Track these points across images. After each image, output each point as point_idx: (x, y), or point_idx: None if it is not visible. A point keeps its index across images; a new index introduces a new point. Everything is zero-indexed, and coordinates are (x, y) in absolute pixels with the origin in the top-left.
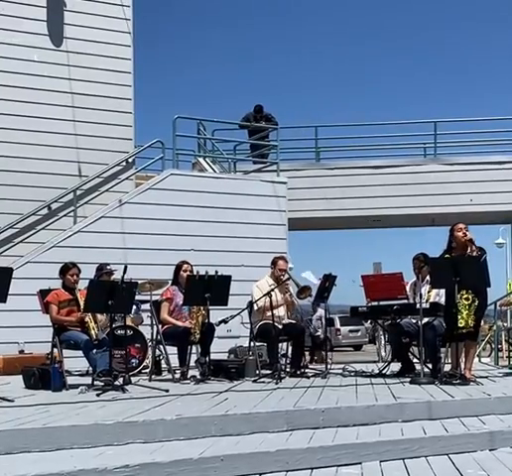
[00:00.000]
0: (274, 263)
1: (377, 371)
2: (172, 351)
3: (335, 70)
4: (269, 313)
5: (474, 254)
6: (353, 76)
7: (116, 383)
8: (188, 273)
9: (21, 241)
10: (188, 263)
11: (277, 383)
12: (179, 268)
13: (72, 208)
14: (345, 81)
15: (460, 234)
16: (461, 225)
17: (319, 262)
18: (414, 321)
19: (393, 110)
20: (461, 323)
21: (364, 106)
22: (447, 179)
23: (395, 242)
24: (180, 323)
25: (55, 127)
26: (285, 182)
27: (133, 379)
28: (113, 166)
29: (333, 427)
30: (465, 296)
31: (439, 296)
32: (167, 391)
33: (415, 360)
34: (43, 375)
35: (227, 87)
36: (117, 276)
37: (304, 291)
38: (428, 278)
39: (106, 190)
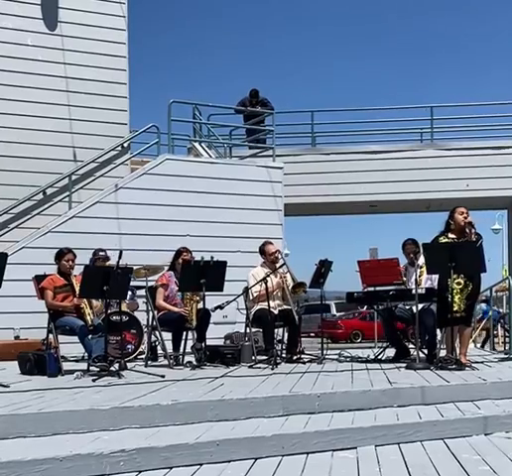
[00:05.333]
0: (262, 252)
1: (373, 356)
2: (167, 337)
3: (332, 55)
4: (265, 299)
5: (473, 238)
6: (351, 62)
7: (112, 368)
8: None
9: (16, 226)
10: (188, 251)
11: (273, 368)
12: (179, 254)
13: (68, 193)
14: (343, 66)
15: (461, 217)
16: (463, 209)
17: (315, 247)
18: (407, 307)
19: (390, 95)
20: (454, 307)
21: (361, 91)
22: (443, 165)
23: (391, 227)
24: (175, 309)
25: (49, 112)
26: (281, 168)
27: (129, 364)
28: (108, 150)
29: (329, 412)
30: (457, 280)
31: (431, 280)
32: (163, 376)
33: (410, 345)
34: (38, 361)
35: (223, 71)
36: (113, 261)
37: (299, 286)
38: (419, 262)
39: (101, 175)
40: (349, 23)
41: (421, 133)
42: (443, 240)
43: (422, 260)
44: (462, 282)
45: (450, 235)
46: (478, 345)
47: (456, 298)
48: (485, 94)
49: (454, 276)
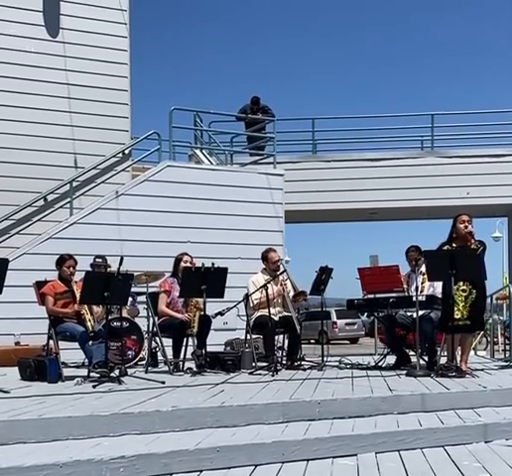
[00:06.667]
0: (265, 258)
1: (373, 363)
2: (168, 343)
3: (334, 60)
4: (265, 306)
5: (472, 247)
6: (353, 66)
7: (112, 374)
8: (187, 265)
9: (17, 232)
10: (188, 255)
11: (273, 375)
12: (179, 260)
13: (69, 200)
14: (345, 72)
15: (462, 226)
16: (465, 217)
17: (315, 254)
18: (409, 314)
19: (391, 102)
20: (457, 315)
21: (362, 98)
22: (443, 172)
23: (392, 235)
24: (177, 315)
25: (51, 118)
26: (281, 175)
27: (129, 371)
28: (109, 157)
29: (329, 419)
30: (462, 287)
31: (433, 287)
32: (163, 382)
33: (411, 352)
34: (39, 366)
35: (224, 78)
36: (114, 268)
37: (299, 295)
38: (422, 269)
39: (102, 182)
40: (350, 29)
41: (421, 140)
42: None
43: (424, 267)
44: (467, 289)
45: (454, 244)
46: (479, 352)
47: (461, 306)
48: (486, 102)
49: (460, 283)
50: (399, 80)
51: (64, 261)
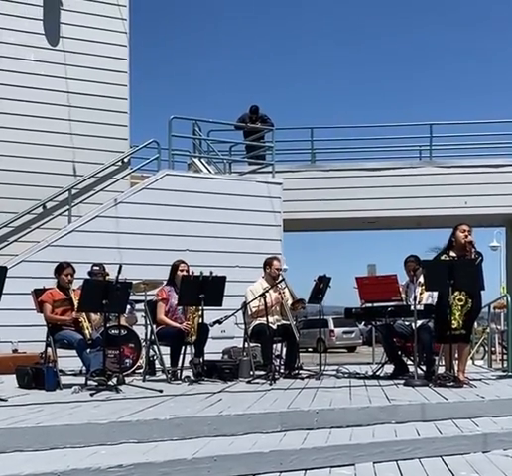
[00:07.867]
0: (268, 264)
1: (371, 372)
2: (166, 351)
3: (332, 70)
4: (263, 315)
5: (472, 256)
6: (351, 75)
7: (110, 383)
8: (184, 273)
9: (15, 240)
10: (184, 262)
11: (271, 384)
12: (175, 267)
13: (67, 208)
14: (344, 81)
15: (462, 235)
16: (466, 227)
17: (313, 263)
18: (407, 324)
19: (390, 110)
20: (454, 325)
21: (361, 106)
22: (441, 182)
23: (390, 244)
24: (177, 325)
25: (50, 126)
26: (280, 184)
27: (127, 379)
28: (108, 165)
29: (327, 429)
30: (459, 297)
31: (432, 298)
32: (161, 391)
33: (409, 362)
34: (36, 374)
35: (223, 87)
36: (112, 276)
37: (297, 303)
38: (420, 279)
39: (101, 190)
40: (350, 38)
41: (419, 150)
42: (443, 258)
43: (422, 277)
44: (464, 298)
45: (452, 253)
46: (477, 362)
47: (457, 316)
48: (484, 112)
49: (456, 292)
50: (399, 87)
51: (62, 269)
